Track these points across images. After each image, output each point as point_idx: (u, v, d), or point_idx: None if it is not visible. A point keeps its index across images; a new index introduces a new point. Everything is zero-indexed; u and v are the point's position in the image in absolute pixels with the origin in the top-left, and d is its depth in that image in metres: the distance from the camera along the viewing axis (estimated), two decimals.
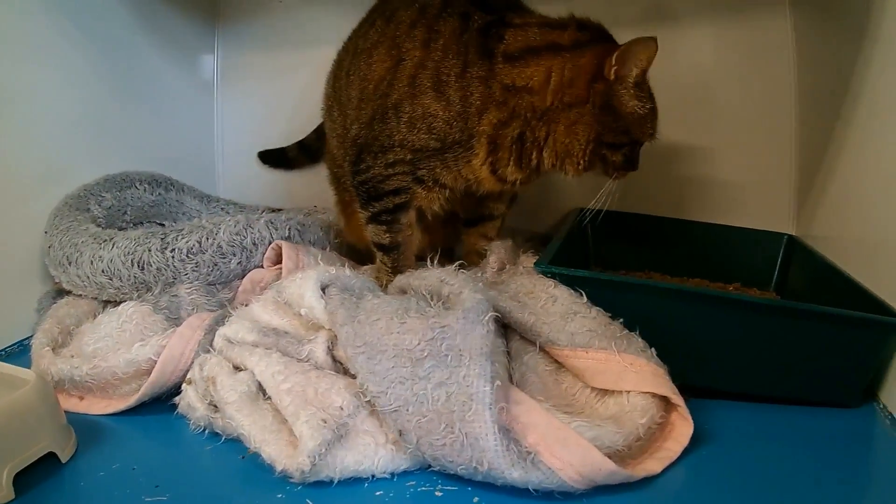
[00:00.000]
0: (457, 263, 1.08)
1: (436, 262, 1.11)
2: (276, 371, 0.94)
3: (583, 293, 1.01)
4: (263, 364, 0.95)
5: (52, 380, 1.07)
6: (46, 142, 1.39)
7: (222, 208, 1.62)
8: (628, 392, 0.90)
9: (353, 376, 0.90)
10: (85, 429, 0.98)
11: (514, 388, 0.90)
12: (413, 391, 0.83)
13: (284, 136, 1.84)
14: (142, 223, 1.51)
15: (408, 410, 0.82)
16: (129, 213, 1.49)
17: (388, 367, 0.86)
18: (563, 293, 1.02)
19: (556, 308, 1.00)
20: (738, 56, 1.56)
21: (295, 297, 1.02)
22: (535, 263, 1.10)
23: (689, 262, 1.40)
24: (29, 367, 1.03)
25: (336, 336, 0.95)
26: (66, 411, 0.99)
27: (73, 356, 1.13)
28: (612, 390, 0.92)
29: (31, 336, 1.20)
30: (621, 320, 0.98)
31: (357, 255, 1.45)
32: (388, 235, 1.26)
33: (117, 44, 1.57)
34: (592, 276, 1.09)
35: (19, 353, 1.29)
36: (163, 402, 1.05)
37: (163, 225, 1.54)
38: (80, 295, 1.30)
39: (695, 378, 0.97)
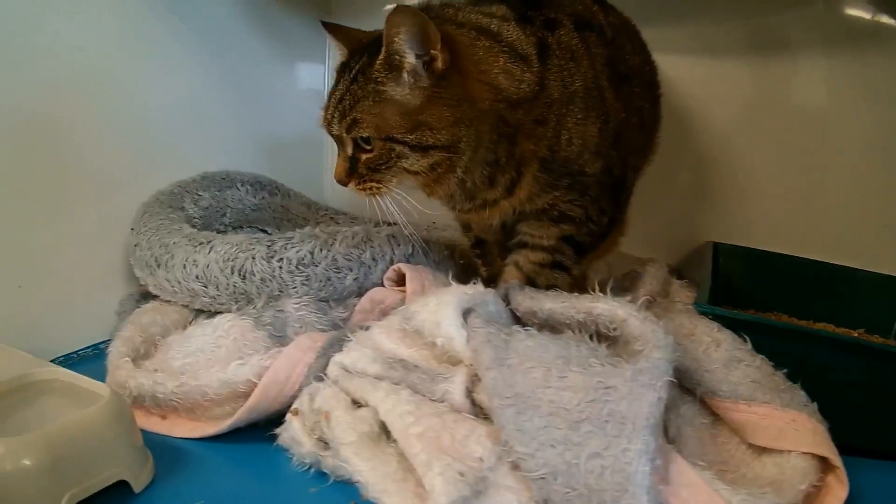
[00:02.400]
0: (643, 300, 0.93)
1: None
2: (405, 411, 0.81)
3: (747, 339, 0.93)
4: (390, 402, 0.82)
5: (129, 395, 0.95)
6: (142, 132, 1.28)
7: (332, 217, 1.47)
8: (788, 452, 0.82)
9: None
10: (165, 453, 0.88)
11: (679, 460, 0.77)
12: (564, 458, 0.72)
13: None
14: (241, 228, 1.37)
15: (556, 479, 0.72)
16: (228, 215, 1.35)
17: (539, 427, 0.75)
18: (726, 338, 0.93)
19: (718, 354, 0.91)
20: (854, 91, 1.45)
21: (429, 324, 0.88)
22: (695, 303, 1.04)
23: (812, 304, 1.33)
24: (104, 379, 0.94)
25: (476, 374, 0.84)
26: (143, 430, 0.87)
27: (157, 370, 1.00)
28: (769, 448, 0.84)
29: (109, 340, 1.07)
30: (785, 371, 0.90)
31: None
32: None
33: (227, 40, 1.47)
34: (763, 322, 1.01)
35: (94, 357, 1.16)
36: (260, 429, 0.93)
37: (266, 231, 1.39)
38: (169, 301, 1.17)
39: (853, 438, 0.89)
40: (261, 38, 1.58)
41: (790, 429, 0.83)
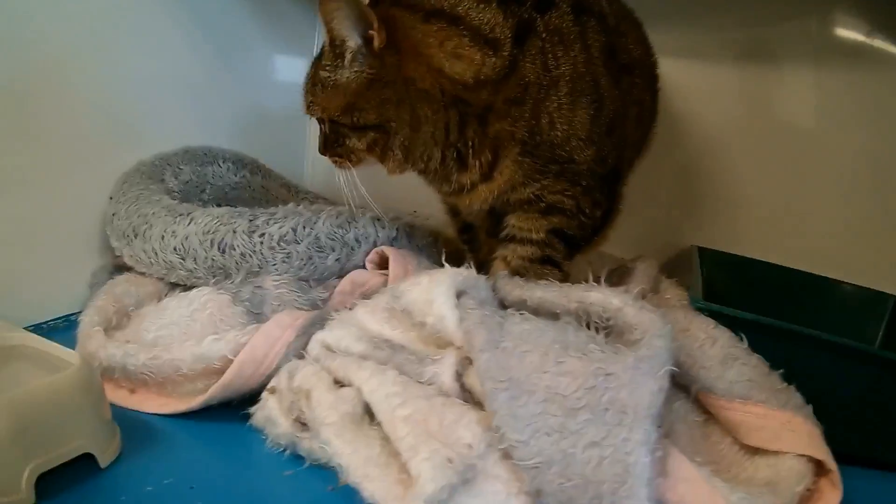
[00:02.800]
0: (638, 289, 0.92)
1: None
2: (391, 392, 0.77)
3: (743, 337, 0.90)
4: (376, 381, 0.79)
5: (99, 365, 0.91)
6: (123, 102, 1.25)
7: (311, 201, 1.43)
8: (783, 453, 0.81)
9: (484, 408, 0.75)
10: (133, 429, 0.85)
11: (677, 454, 0.75)
12: (560, 447, 0.69)
13: None
14: (220, 205, 1.32)
15: (550, 469, 0.69)
16: (207, 191, 1.32)
17: (534, 413, 0.71)
18: (722, 335, 0.91)
19: (714, 351, 0.88)
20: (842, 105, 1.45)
21: (420, 303, 0.84)
22: (690, 298, 1.03)
23: (795, 314, 1.24)
24: (74, 349, 0.87)
25: (467, 358, 0.80)
26: (112, 405, 0.84)
27: (128, 341, 0.97)
28: (762, 449, 0.83)
29: (80, 312, 1.04)
30: (781, 371, 0.88)
31: None
32: None
33: (214, 17, 1.44)
34: (760, 321, 0.97)
35: (64, 328, 1.13)
36: (233, 408, 0.89)
37: None
38: (143, 273, 1.13)
39: (845, 444, 0.86)
40: (248, 17, 1.55)
41: (786, 430, 0.82)
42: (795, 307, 1.31)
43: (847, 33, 1.42)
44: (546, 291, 0.91)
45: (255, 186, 1.41)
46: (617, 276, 1.18)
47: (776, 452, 0.81)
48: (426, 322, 0.84)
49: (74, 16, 1.15)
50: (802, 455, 0.80)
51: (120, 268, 1.18)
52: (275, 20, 1.64)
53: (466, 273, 0.89)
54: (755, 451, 0.83)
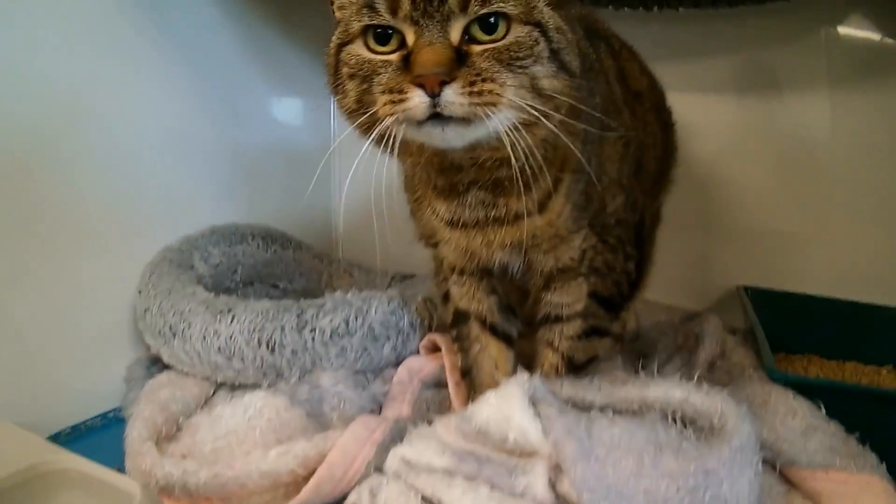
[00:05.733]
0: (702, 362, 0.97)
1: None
2: None
3: (821, 405, 0.90)
4: (469, 500, 0.74)
5: (156, 485, 0.87)
6: (144, 185, 1.21)
7: (345, 270, 1.40)
8: None
9: None
10: None
11: None
12: None
13: None
14: (252, 284, 1.29)
15: None
16: (239, 272, 1.28)
17: None
18: (801, 405, 0.90)
19: (795, 423, 0.88)
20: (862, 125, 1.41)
21: (496, 422, 0.78)
22: (768, 370, 0.99)
23: (839, 342, 1.31)
24: (117, 458, 0.86)
25: (558, 464, 0.75)
26: None
27: (184, 456, 0.93)
28: None
29: (118, 409, 1.02)
30: (857, 434, 0.88)
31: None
32: None
33: (229, 80, 1.40)
34: (838, 386, 0.99)
35: (102, 428, 1.10)
36: None
37: (278, 286, 1.30)
38: (186, 373, 1.08)
39: None
40: (264, 78, 1.51)
41: (865, 493, 0.80)
42: (849, 338, 1.30)
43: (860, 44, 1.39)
44: (599, 396, 0.86)
45: (287, 261, 1.38)
46: (682, 337, 1.14)
47: None
48: (507, 438, 0.78)
49: (81, 88, 1.12)
50: None
51: (156, 360, 1.15)
52: (292, 92, 1.60)
53: (531, 378, 0.83)
54: None
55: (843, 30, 1.39)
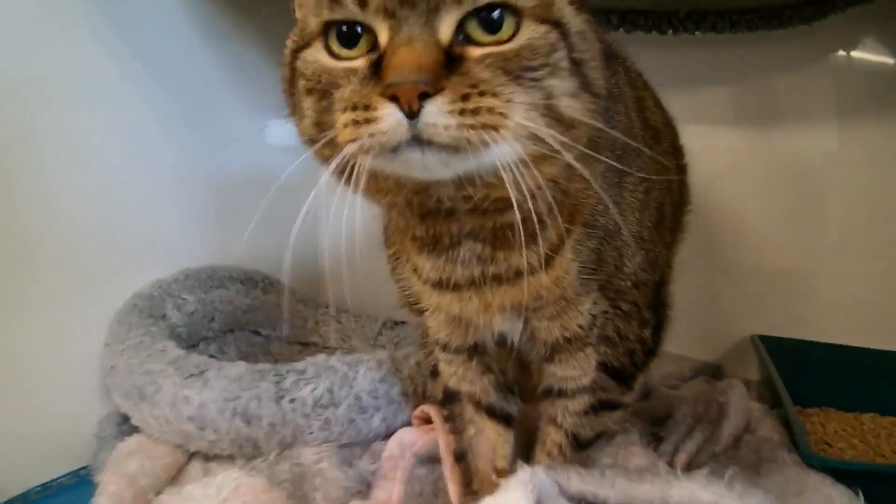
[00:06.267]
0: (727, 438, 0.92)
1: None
2: None
3: (859, 492, 0.81)
4: None
5: None
6: (114, 223, 1.13)
7: (333, 317, 1.30)
8: None
9: None
10: None
11: None
12: None
13: None
14: (232, 331, 1.19)
15: None
16: (217, 319, 1.19)
17: None
18: (839, 493, 0.82)
19: None
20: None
21: None
22: (805, 456, 0.91)
23: (855, 393, 1.26)
24: None
25: None
26: None
27: None
28: None
29: (89, 466, 0.99)
30: None
31: None
32: None
33: (208, 104, 1.31)
34: (874, 469, 0.95)
35: (74, 487, 1.04)
36: None
37: (259, 333, 1.20)
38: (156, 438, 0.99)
39: None
40: (246, 98, 1.40)
41: None
42: (865, 388, 1.26)
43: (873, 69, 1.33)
44: (613, 491, 0.75)
45: (269, 306, 1.29)
46: (704, 407, 1.05)
47: None
48: None
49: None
50: None
51: (128, 417, 1.05)
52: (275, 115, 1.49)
53: (536, 475, 0.72)
54: None
55: (857, 54, 1.33)
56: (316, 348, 1.30)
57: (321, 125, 0.61)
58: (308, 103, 0.62)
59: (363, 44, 0.59)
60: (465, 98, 0.54)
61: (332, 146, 0.59)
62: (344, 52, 0.59)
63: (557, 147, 0.57)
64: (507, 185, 0.57)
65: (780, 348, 1.25)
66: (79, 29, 1.08)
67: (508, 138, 0.55)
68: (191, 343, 1.15)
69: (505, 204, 0.61)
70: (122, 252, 1.16)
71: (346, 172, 0.58)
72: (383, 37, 0.57)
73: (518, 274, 0.70)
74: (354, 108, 0.56)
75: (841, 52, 1.34)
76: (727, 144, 1.40)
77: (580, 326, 0.77)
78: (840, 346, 1.30)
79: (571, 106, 0.59)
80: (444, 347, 0.84)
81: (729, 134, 1.41)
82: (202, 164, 1.31)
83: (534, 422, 0.91)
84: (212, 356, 1.13)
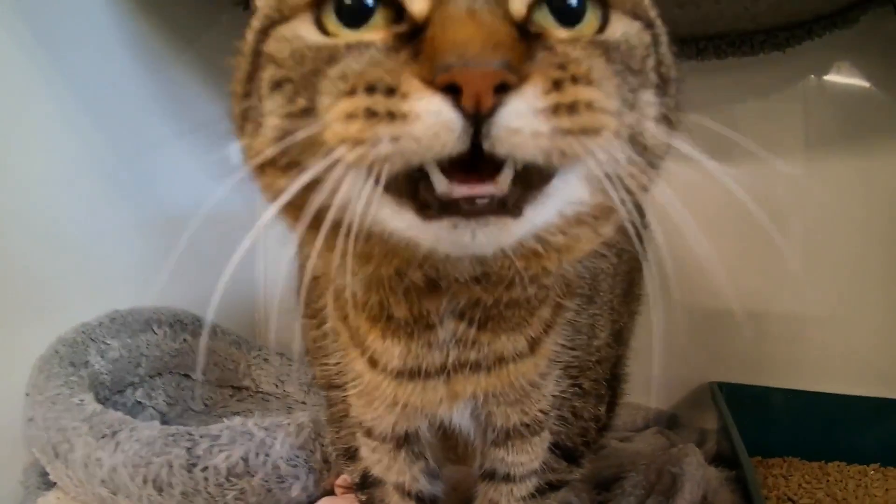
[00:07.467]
0: None
1: None
2: None
3: None
4: None
5: None
6: (40, 260, 1.09)
7: (265, 359, 1.25)
8: None
9: None
10: None
11: None
12: None
13: None
14: (160, 375, 1.15)
15: None
16: (143, 364, 1.15)
17: None
18: None
19: None
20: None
21: None
22: None
23: (819, 441, 1.24)
24: None
25: None
26: None
27: None
28: None
29: None
30: None
31: None
32: None
33: (141, 135, 1.26)
34: None
35: None
36: None
37: (189, 377, 1.15)
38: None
39: None
40: (183, 129, 1.34)
41: None
42: (830, 435, 1.24)
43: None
44: None
45: (198, 350, 1.22)
46: (656, 475, 0.98)
47: None
48: None
49: None
50: None
51: None
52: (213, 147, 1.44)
53: None
54: None
55: (829, 79, 1.31)
56: (247, 392, 1.25)
57: (288, 133, 0.43)
58: (274, 104, 0.45)
59: (378, 19, 0.43)
60: (557, 86, 0.39)
61: (292, 170, 0.43)
62: (344, 32, 0.44)
63: (631, 191, 0.43)
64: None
65: (741, 395, 1.24)
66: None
67: (604, 146, 0.40)
68: (116, 389, 1.11)
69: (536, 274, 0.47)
70: (49, 292, 1.12)
71: (311, 209, 0.41)
72: (420, 4, 0.42)
73: (500, 360, 0.59)
74: (370, 89, 0.39)
75: (812, 77, 1.32)
76: (688, 178, 1.36)
77: (541, 411, 0.68)
78: (804, 392, 1.29)
79: (657, 136, 0.46)
80: (369, 433, 0.71)
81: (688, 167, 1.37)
82: (134, 199, 1.26)
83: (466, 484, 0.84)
84: (138, 401, 1.10)
